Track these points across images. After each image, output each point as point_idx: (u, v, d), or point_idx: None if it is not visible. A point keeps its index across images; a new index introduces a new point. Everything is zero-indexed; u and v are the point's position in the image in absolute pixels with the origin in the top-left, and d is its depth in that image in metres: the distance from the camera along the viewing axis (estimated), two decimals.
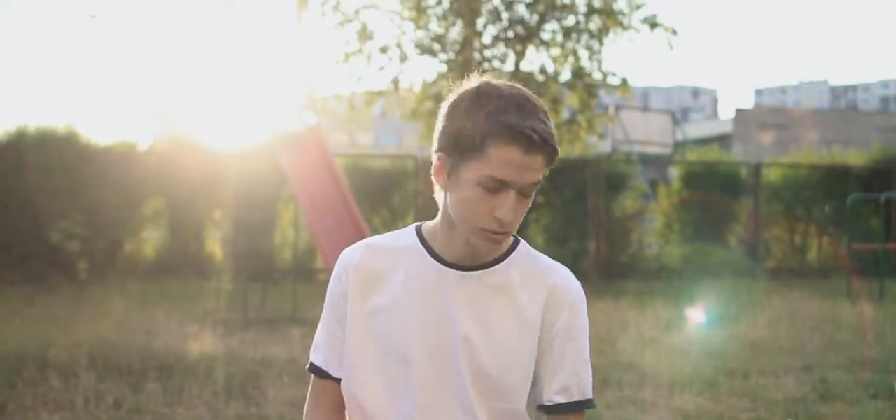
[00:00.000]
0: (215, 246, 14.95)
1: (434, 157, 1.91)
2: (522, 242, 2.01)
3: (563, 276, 1.98)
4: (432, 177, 1.94)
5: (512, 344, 1.92)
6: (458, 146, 1.83)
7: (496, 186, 1.81)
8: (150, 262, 14.37)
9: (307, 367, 2.06)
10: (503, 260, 1.96)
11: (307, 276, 12.36)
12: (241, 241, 12.36)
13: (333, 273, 2.04)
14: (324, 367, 2.01)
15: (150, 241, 15.08)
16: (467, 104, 1.84)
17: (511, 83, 1.89)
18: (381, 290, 1.96)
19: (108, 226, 13.50)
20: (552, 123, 1.84)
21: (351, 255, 2.03)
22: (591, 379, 2.01)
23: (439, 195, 1.95)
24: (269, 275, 12.18)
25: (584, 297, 2.00)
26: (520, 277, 1.95)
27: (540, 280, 1.96)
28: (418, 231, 2.02)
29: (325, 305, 2.04)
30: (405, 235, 2.02)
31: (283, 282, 11.77)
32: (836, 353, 7.68)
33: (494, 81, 1.88)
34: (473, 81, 1.89)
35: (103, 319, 8.90)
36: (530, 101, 1.83)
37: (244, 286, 10.10)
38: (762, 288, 12.53)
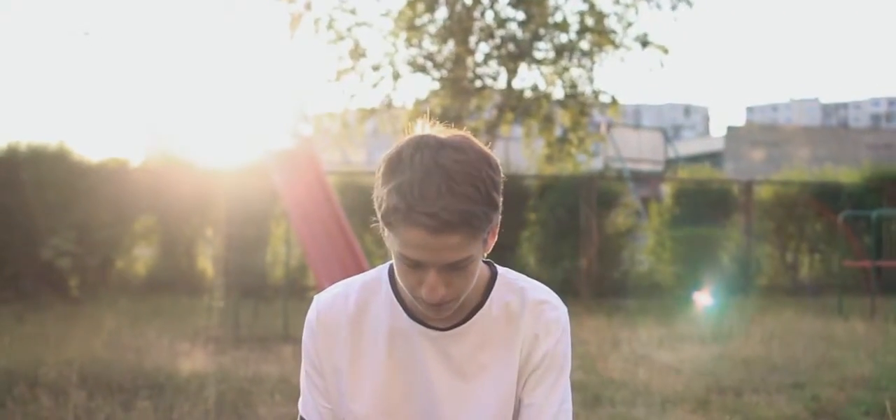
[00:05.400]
0: (207, 263, 14.92)
1: None
2: (500, 273, 1.86)
3: (544, 303, 1.83)
4: None
5: (492, 406, 1.80)
6: (379, 214, 1.70)
7: (412, 264, 1.66)
8: (142, 280, 14.34)
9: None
10: (481, 306, 1.82)
11: (299, 294, 12.33)
12: (233, 258, 12.33)
13: (306, 323, 1.91)
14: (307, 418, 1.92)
15: (142, 258, 15.05)
16: (383, 171, 1.68)
17: (448, 138, 1.69)
18: (350, 345, 1.84)
19: (99, 243, 13.47)
20: (485, 191, 1.63)
21: (318, 308, 1.89)
22: (570, 416, 1.83)
23: None
24: (261, 292, 12.16)
25: (568, 322, 1.85)
26: (501, 312, 1.82)
27: (522, 311, 1.82)
28: (391, 274, 1.86)
29: (303, 357, 1.92)
30: (376, 282, 1.87)
31: (274, 299, 11.75)
32: (829, 370, 7.69)
33: (423, 139, 1.67)
34: (413, 134, 1.71)
35: (94, 337, 8.87)
36: (448, 173, 1.62)
37: (235, 303, 10.08)
38: (754, 305, 12.54)
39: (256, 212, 13.29)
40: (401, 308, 1.80)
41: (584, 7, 18.13)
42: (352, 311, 1.83)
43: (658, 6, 18.59)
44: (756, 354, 8.54)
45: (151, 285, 13.80)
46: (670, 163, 23.86)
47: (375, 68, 18.15)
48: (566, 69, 18.37)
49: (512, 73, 18.40)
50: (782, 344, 9.07)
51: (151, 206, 14.16)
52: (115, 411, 6.04)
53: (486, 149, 1.69)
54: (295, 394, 1.93)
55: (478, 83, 18.30)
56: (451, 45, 17.94)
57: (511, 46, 18.02)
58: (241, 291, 10.78)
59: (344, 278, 1.94)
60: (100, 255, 13.61)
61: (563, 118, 18.94)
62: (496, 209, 1.66)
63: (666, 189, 17.26)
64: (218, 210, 13.60)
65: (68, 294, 13.00)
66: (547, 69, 18.44)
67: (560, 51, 18.23)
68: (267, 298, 11.85)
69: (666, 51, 18.76)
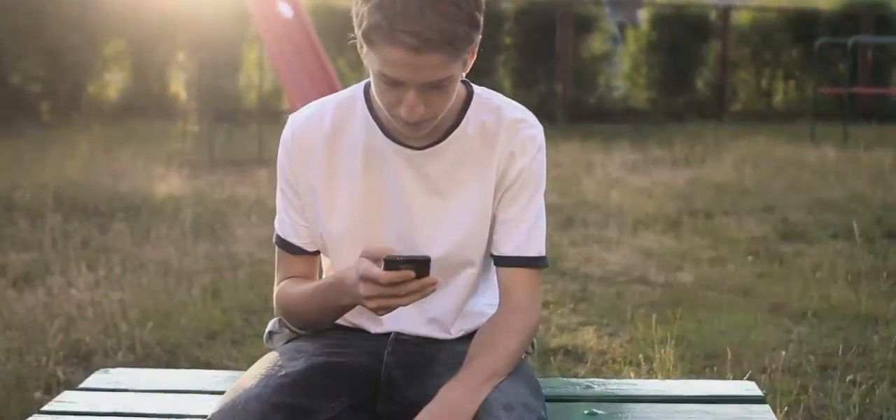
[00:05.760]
0: (180, 87, 14.80)
1: None
2: (477, 92, 1.83)
3: (520, 122, 1.80)
4: None
5: (468, 223, 1.79)
6: (358, 31, 1.64)
7: (391, 83, 1.62)
8: (114, 104, 14.23)
9: (274, 239, 1.91)
10: (458, 125, 1.78)
11: (273, 117, 12.27)
12: (206, 82, 12.21)
13: (281, 141, 1.86)
14: (286, 238, 1.88)
15: (114, 82, 14.90)
16: None
17: None
18: (325, 164, 1.80)
19: (69, 67, 13.29)
20: (468, 9, 1.58)
21: (293, 126, 1.84)
22: (543, 232, 1.82)
23: None
24: (235, 116, 12.10)
25: (543, 140, 1.83)
26: (477, 131, 1.79)
27: (498, 130, 1.79)
28: (366, 93, 1.82)
29: (278, 175, 1.87)
30: (351, 100, 1.83)
31: (248, 123, 11.70)
32: (799, 194, 7.80)
33: None
34: None
35: (68, 162, 8.84)
36: None
37: (209, 127, 10.05)
38: (728, 131, 12.63)
39: (229, 35, 13.10)
40: (376, 127, 1.78)
41: None
42: (327, 130, 1.81)
43: None
44: (728, 178, 8.65)
45: (124, 110, 13.69)
46: None
47: None
48: None
49: None
50: (754, 168, 9.18)
51: (121, 29, 13.92)
52: (91, 233, 6.07)
53: None
54: (271, 215, 1.93)
55: None
56: None
57: None
58: (214, 116, 10.72)
59: (318, 98, 1.91)
60: (70, 80, 13.45)
61: None
62: (478, 29, 1.64)
63: (643, 14, 17.11)
64: (190, 33, 13.42)
65: (39, 119, 12.90)
66: None
67: None
68: (241, 122, 11.80)
69: None
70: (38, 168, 8.46)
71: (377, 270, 1.51)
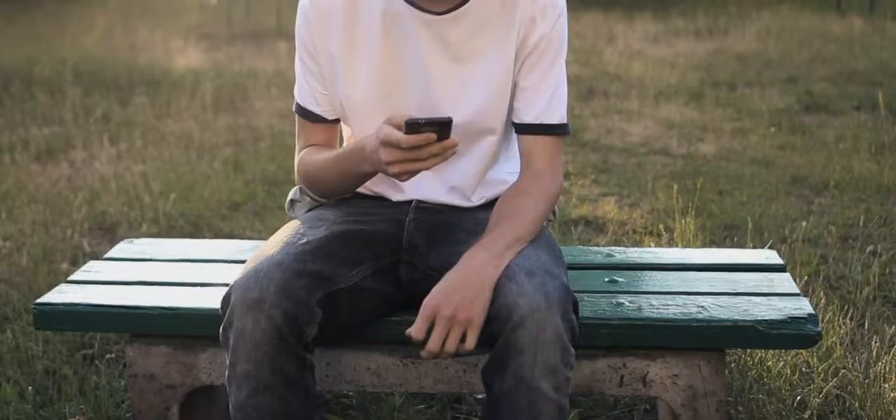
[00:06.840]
0: None
1: None
2: None
3: None
4: None
5: (488, 90, 1.76)
6: None
7: None
8: None
9: (293, 108, 1.89)
10: None
11: None
12: None
13: (299, 8, 1.81)
14: (306, 106, 1.86)
15: None
16: None
17: None
18: (344, 30, 1.76)
19: None
20: None
21: None
22: (564, 100, 1.79)
23: None
24: None
25: (564, 5, 1.79)
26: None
27: None
28: None
29: (297, 43, 1.83)
30: None
31: None
32: (823, 65, 7.70)
33: None
34: None
35: (86, 35, 8.82)
36: None
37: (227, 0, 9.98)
38: (752, 1, 12.42)
39: None
40: None
41: None
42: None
43: None
44: (751, 49, 8.54)
45: None
46: None
47: None
48: None
49: None
50: (778, 39, 9.05)
51: None
52: (111, 107, 6.09)
53: None
54: (290, 87, 1.92)
55: None
56: None
57: None
58: None
59: None
60: None
61: None
62: None
63: None
64: None
65: None
66: None
67: None
68: None
69: None
70: (57, 43, 8.44)
71: (398, 134, 1.49)
